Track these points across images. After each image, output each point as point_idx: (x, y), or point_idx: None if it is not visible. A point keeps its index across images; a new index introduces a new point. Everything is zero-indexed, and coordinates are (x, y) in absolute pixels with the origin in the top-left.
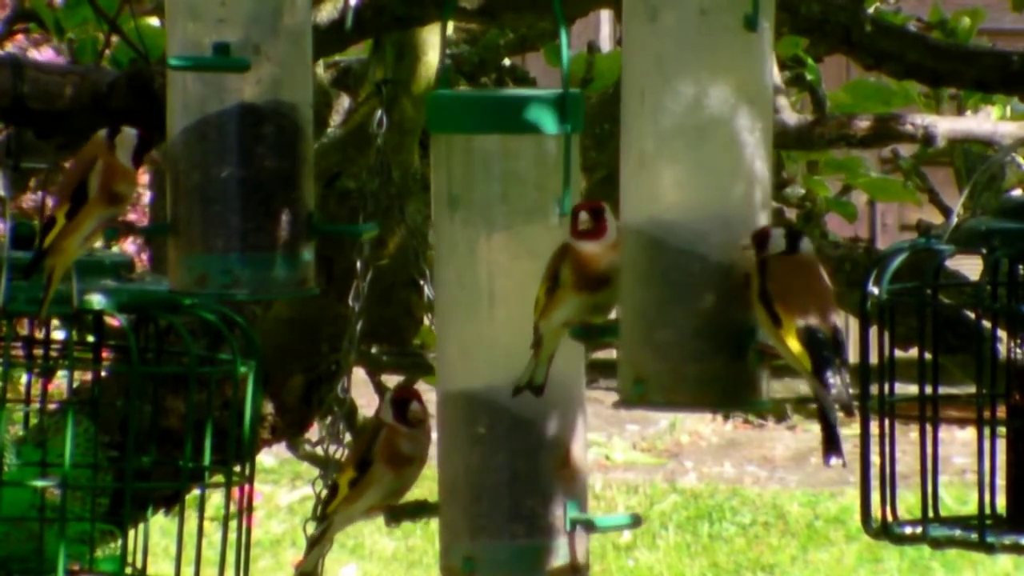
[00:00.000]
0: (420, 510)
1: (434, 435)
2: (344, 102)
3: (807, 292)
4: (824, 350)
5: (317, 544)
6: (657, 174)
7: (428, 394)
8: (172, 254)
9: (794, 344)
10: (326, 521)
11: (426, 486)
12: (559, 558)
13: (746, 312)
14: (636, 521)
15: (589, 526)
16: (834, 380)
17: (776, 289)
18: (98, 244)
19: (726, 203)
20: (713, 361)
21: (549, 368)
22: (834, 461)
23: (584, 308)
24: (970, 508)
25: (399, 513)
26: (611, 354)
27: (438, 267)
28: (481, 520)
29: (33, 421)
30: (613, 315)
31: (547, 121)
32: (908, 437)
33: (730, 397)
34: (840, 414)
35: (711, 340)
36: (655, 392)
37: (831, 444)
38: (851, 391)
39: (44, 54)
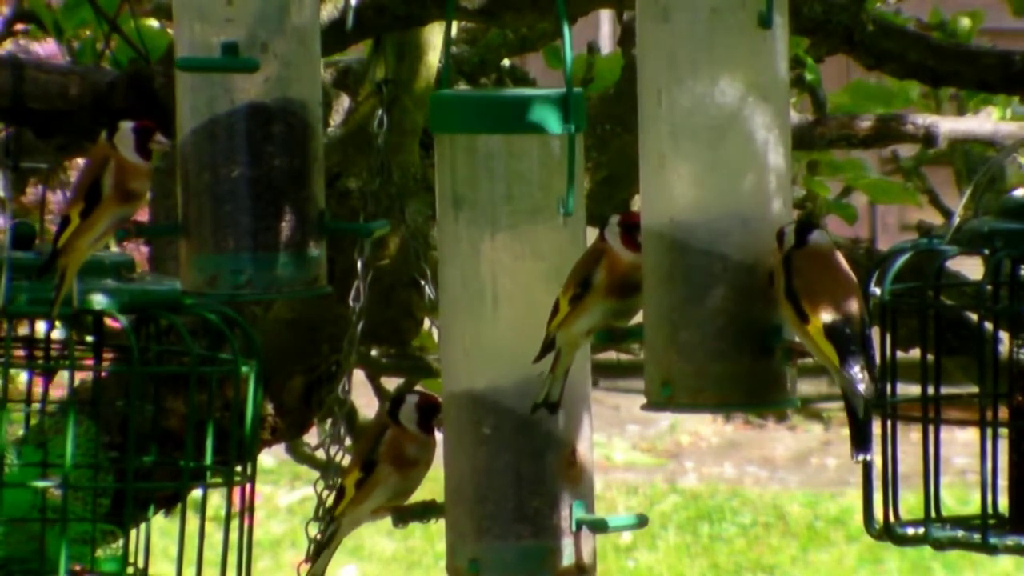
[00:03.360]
0: (427, 511)
1: (439, 435)
2: (344, 102)
3: (833, 287)
4: (851, 345)
5: (326, 548)
6: (676, 175)
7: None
8: (183, 255)
9: (821, 340)
10: (333, 524)
11: (428, 487)
12: (565, 559)
13: (770, 310)
14: (642, 522)
15: (595, 526)
16: (861, 375)
17: (802, 285)
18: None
19: (746, 201)
20: (739, 360)
21: (565, 383)
22: (862, 457)
23: (610, 314)
24: (971, 509)
25: (406, 514)
26: (611, 355)
27: (442, 267)
28: (487, 521)
29: (33, 421)
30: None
31: (551, 120)
32: (910, 438)
33: (757, 396)
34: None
35: (736, 339)
36: (683, 394)
37: (859, 439)
38: (878, 386)
39: (45, 47)
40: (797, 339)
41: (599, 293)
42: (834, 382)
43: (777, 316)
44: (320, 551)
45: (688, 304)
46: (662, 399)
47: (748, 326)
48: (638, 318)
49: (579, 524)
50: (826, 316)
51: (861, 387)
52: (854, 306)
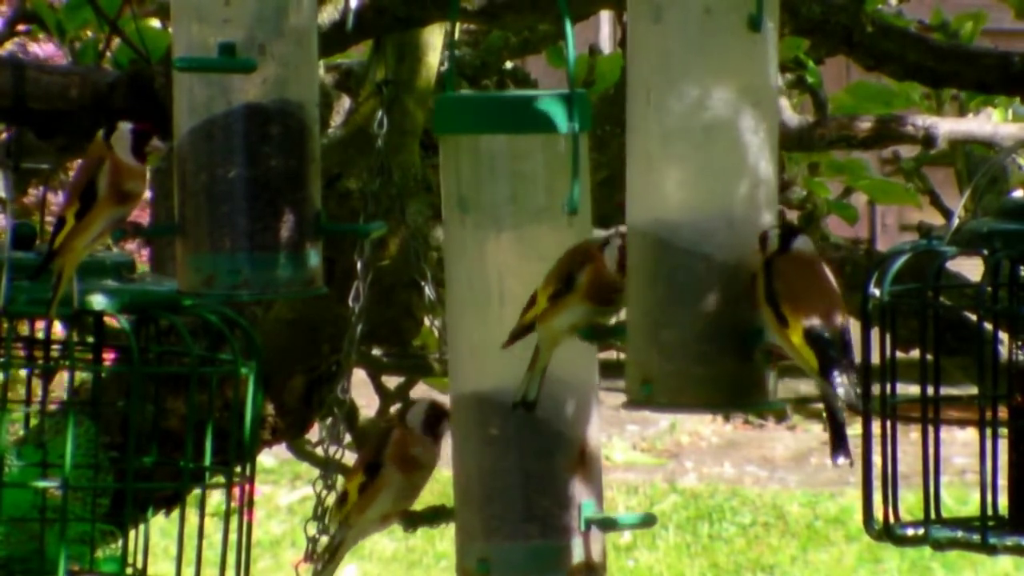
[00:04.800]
0: (437, 515)
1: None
2: (345, 103)
3: (814, 292)
4: (831, 350)
5: (330, 562)
6: (663, 175)
7: (429, 395)
8: (180, 255)
9: (800, 344)
10: (340, 534)
11: (435, 488)
12: (574, 558)
13: (752, 312)
14: (649, 520)
15: (604, 525)
16: (841, 380)
17: (782, 289)
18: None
19: (731, 203)
20: (719, 362)
21: (543, 382)
22: (841, 461)
23: (589, 316)
24: (970, 509)
25: (416, 519)
26: (611, 354)
27: (448, 269)
28: (495, 521)
29: (34, 422)
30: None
31: (555, 120)
32: (909, 438)
33: (737, 398)
34: (846, 413)
35: (717, 341)
36: (662, 393)
37: (838, 444)
38: (858, 390)
39: (45, 48)
40: (777, 343)
41: (579, 296)
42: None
43: (759, 318)
44: (327, 562)
45: (670, 304)
46: (642, 397)
47: (730, 328)
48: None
49: (588, 523)
50: (806, 321)
51: (841, 391)
52: (835, 312)
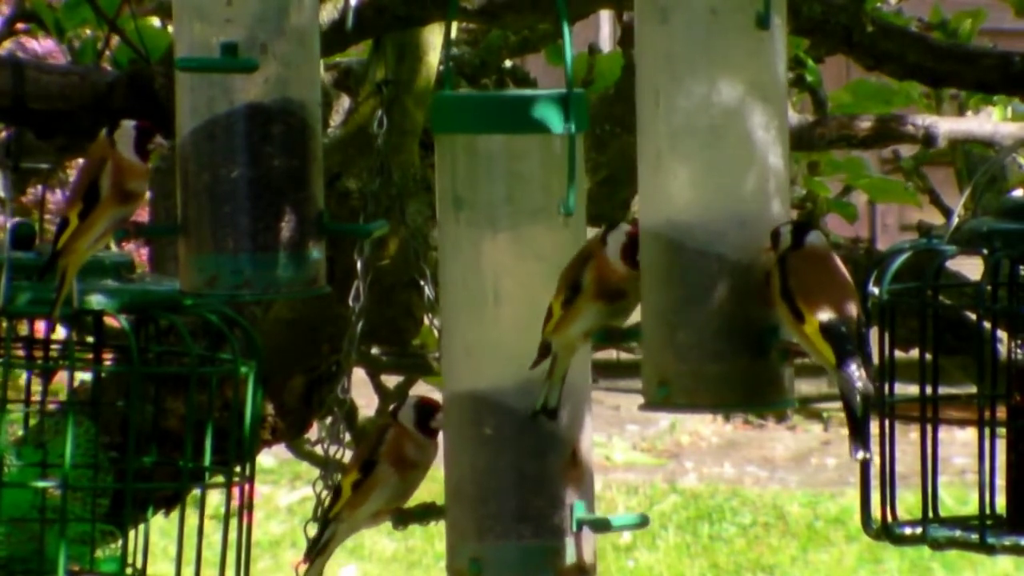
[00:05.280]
0: (427, 513)
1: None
2: (345, 103)
3: (828, 286)
4: (847, 343)
5: (320, 555)
6: (673, 175)
7: (429, 394)
8: (182, 255)
9: (817, 339)
10: (329, 528)
11: (426, 487)
12: (566, 558)
13: (767, 310)
14: (643, 521)
15: (597, 526)
16: (859, 373)
17: (797, 285)
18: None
19: (742, 202)
20: (735, 361)
21: (563, 388)
22: (860, 455)
23: (603, 316)
24: (970, 509)
25: (406, 516)
26: (611, 354)
27: (443, 268)
28: (488, 521)
29: (33, 422)
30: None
31: (551, 120)
32: (908, 437)
33: (754, 397)
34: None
35: (732, 340)
36: (680, 394)
37: (857, 437)
38: (875, 384)
39: (44, 44)
40: (794, 339)
41: (588, 296)
42: (834, 382)
43: (774, 316)
44: (316, 556)
45: (685, 304)
46: (659, 399)
47: (745, 326)
48: (636, 317)
49: (580, 524)
50: (822, 315)
51: (859, 385)
52: (850, 306)
